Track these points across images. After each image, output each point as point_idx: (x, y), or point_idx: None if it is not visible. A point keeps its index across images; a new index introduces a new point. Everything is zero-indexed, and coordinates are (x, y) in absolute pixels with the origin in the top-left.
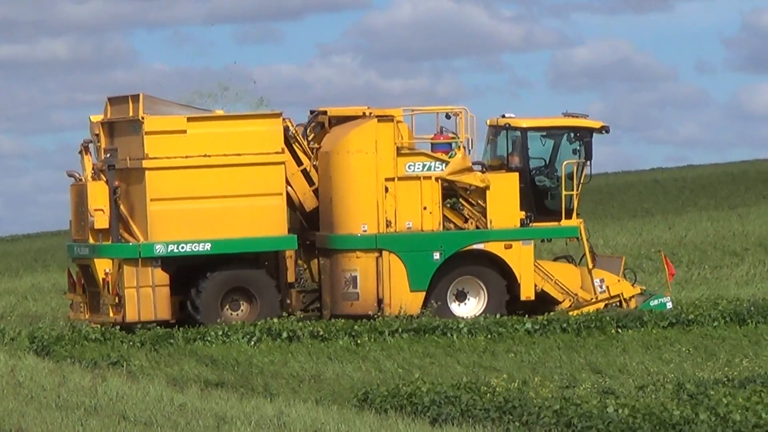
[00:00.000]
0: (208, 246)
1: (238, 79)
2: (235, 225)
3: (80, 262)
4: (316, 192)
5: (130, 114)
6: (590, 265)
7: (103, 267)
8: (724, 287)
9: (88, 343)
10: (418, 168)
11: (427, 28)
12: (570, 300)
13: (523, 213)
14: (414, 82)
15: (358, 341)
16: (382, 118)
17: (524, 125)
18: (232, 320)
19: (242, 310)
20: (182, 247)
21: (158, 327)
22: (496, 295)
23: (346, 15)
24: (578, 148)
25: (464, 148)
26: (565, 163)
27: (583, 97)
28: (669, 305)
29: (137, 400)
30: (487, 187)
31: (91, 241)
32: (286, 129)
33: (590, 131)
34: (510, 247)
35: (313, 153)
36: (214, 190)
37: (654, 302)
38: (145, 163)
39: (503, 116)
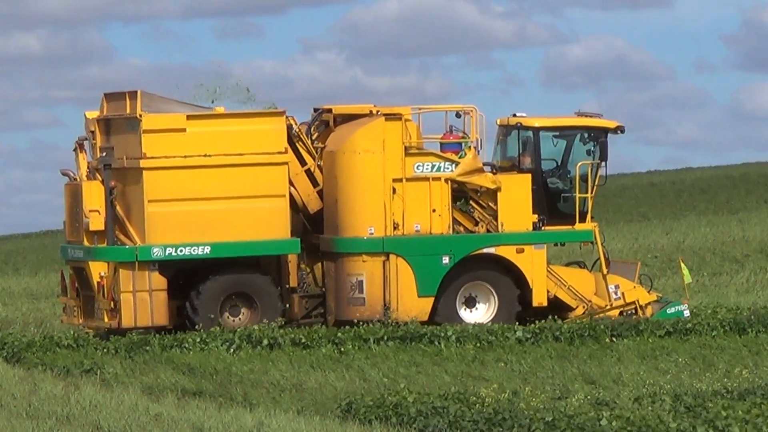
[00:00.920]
0: (207, 249)
1: (219, 76)
2: (236, 227)
3: (74, 264)
4: (320, 193)
5: (128, 111)
6: (605, 271)
7: (98, 270)
8: (724, 295)
9: (60, 350)
10: (427, 168)
11: (415, 24)
12: (584, 307)
13: (536, 216)
14: (401, 80)
15: (342, 349)
16: (389, 117)
17: (536, 125)
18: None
19: (242, 316)
20: (181, 251)
21: (155, 333)
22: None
23: (330, 9)
24: (592, 148)
25: (475, 148)
26: (579, 164)
27: (578, 96)
28: (686, 313)
29: (111, 409)
30: (498, 189)
31: (85, 243)
32: (289, 127)
33: (605, 131)
34: (522, 251)
35: (317, 152)
36: (215, 192)
37: (671, 310)
38: (143, 163)
39: (514, 115)
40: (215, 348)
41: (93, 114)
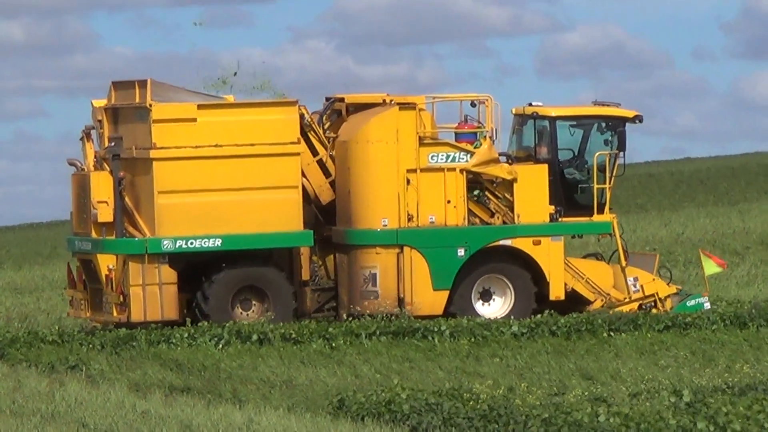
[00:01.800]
0: (218, 242)
1: (206, 64)
2: (248, 220)
3: (81, 257)
4: (332, 184)
5: (137, 100)
6: (623, 263)
7: (106, 263)
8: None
9: (45, 346)
10: (442, 159)
11: (407, 12)
12: (602, 300)
13: (553, 207)
14: (393, 69)
15: (333, 344)
16: (403, 106)
17: (553, 114)
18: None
19: (254, 310)
20: (191, 243)
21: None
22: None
23: None
24: (610, 138)
25: (490, 138)
26: (597, 154)
27: (574, 84)
28: (707, 305)
29: (97, 406)
30: (514, 180)
31: (93, 235)
32: (301, 117)
33: (623, 120)
34: (539, 243)
35: (329, 142)
36: (226, 183)
37: (691, 302)
38: (153, 153)
39: (530, 104)
40: (203, 343)
41: (100, 102)
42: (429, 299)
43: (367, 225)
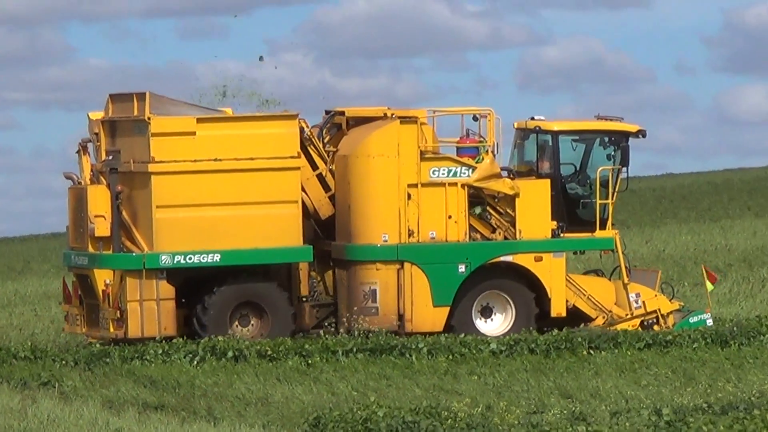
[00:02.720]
0: (217, 257)
1: (182, 76)
2: (247, 235)
3: (77, 271)
4: (332, 198)
5: (135, 113)
6: (625, 280)
7: (103, 278)
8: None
9: (17, 362)
10: (443, 174)
11: (385, 24)
12: (604, 317)
13: (555, 223)
14: (372, 82)
15: (309, 361)
16: (404, 120)
17: (556, 128)
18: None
19: (252, 326)
20: (190, 258)
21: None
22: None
23: (297, 9)
24: (613, 153)
25: (491, 152)
26: (600, 169)
27: (554, 98)
28: (709, 322)
29: (70, 423)
30: (516, 195)
31: (90, 249)
32: (301, 131)
33: (626, 135)
34: (540, 259)
35: (329, 156)
36: (225, 197)
37: (693, 319)
38: (151, 167)
39: (532, 119)
40: (178, 360)
41: (97, 115)
42: (429, 316)
43: (367, 240)
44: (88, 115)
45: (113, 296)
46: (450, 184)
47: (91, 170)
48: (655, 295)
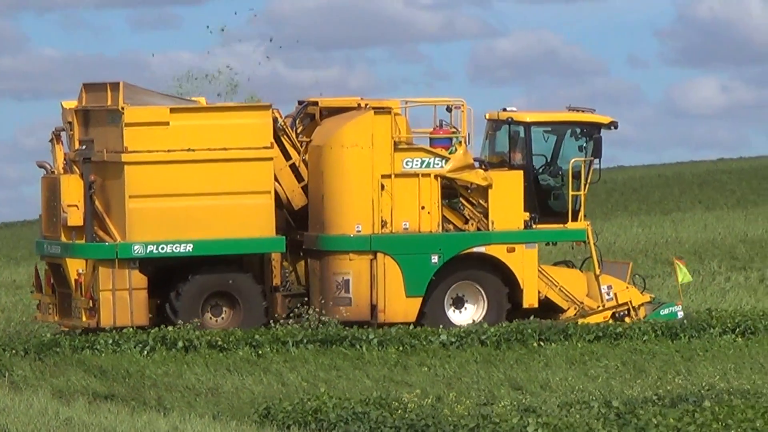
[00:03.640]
0: (189, 247)
1: (135, 67)
2: (220, 225)
3: (50, 260)
4: (305, 189)
5: (109, 103)
6: (597, 272)
7: (75, 267)
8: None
9: None
10: (417, 164)
11: (338, 16)
12: (575, 308)
13: (527, 214)
14: (324, 73)
15: (260, 352)
16: (378, 111)
17: (528, 120)
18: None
19: (224, 316)
20: (162, 248)
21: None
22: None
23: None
24: (584, 145)
25: (465, 143)
26: (572, 161)
27: (506, 91)
28: (680, 314)
29: (20, 413)
30: (489, 186)
31: (63, 239)
32: (274, 121)
33: (598, 127)
34: (513, 250)
35: (302, 146)
36: (198, 187)
37: (665, 311)
38: (124, 157)
39: (504, 110)
40: (128, 350)
41: (71, 104)
42: (402, 306)
43: (340, 231)
44: (61, 104)
45: (86, 285)
46: (423, 175)
47: (64, 159)
48: (627, 287)
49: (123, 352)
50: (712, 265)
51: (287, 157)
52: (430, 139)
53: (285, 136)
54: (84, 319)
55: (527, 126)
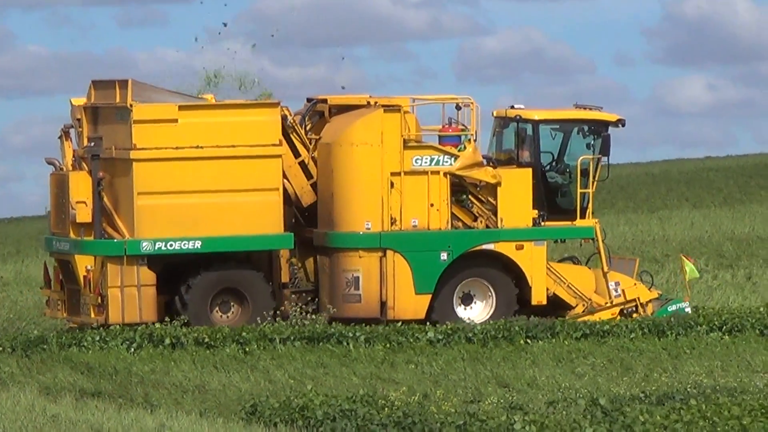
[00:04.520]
0: (198, 244)
1: (122, 65)
2: (228, 222)
3: (59, 257)
4: (313, 186)
5: (117, 100)
6: (605, 268)
7: (84, 264)
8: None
9: None
10: (426, 162)
11: (326, 14)
12: (583, 305)
13: (536, 212)
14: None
15: (247, 349)
16: (388, 108)
17: (536, 117)
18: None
19: (233, 313)
20: (171, 245)
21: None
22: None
23: None
24: (592, 142)
25: (474, 141)
26: (581, 158)
27: (494, 88)
28: (688, 310)
29: (6, 410)
30: (498, 184)
31: (72, 235)
32: (283, 118)
33: (606, 124)
34: (521, 248)
35: (311, 144)
36: (206, 185)
37: (672, 307)
38: (133, 154)
39: (512, 107)
40: (115, 347)
41: (79, 101)
42: (411, 303)
43: (350, 228)
44: (70, 101)
45: (94, 282)
46: (432, 173)
47: (73, 156)
48: (635, 284)
49: (110, 349)
50: (698, 263)
51: (296, 154)
52: (440, 136)
53: (294, 134)
54: (92, 315)
55: (535, 123)
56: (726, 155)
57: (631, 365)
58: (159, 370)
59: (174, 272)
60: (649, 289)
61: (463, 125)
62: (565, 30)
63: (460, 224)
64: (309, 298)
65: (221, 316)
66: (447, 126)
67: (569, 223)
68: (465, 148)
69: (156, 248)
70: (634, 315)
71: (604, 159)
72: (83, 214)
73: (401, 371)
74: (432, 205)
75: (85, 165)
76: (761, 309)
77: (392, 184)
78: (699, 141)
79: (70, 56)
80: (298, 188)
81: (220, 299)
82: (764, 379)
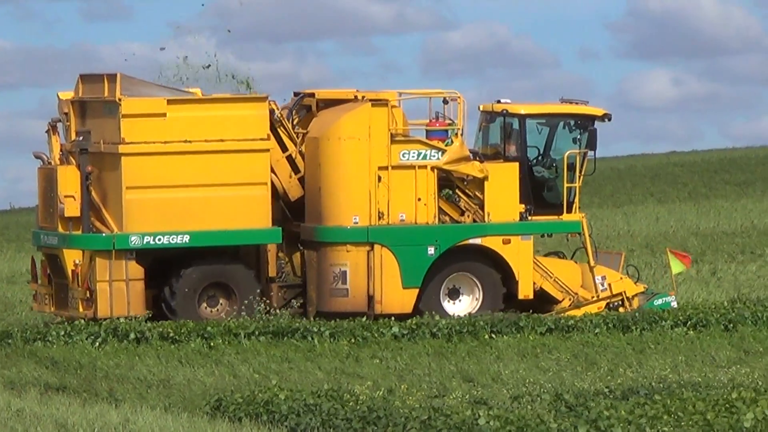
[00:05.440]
0: (186, 238)
1: (86, 59)
2: (216, 216)
3: (47, 251)
4: (301, 180)
5: (106, 94)
6: (592, 262)
7: (72, 258)
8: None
9: None
10: (413, 156)
11: (290, 8)
12: (570, 299)
13: (523, 206)
14: (276, 66)
15: (211, 344)
16: (375, 103)
17: (523, 112)
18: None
19: (220, 307)
20: (159, 239)
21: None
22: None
23: None
24: (578, 137)
25: (461, 135)
26: (567, 153)
27: (458, 83)
28: (674, 304)
29: None
30: (485, 178)
31: (60, 229)
32: (271, 112)
33: (592, 119)
34: (508, 242)
35: (298, 138)
36: (195, 179)
37: (658, 301)
38: (121, 148)
39: (498, 101)
40: (80, 341)
41: (67, 95)
42: (399, 297)
43: (337, 222)
44: (57, 95)
45: (82, 276)
46: (420, 167)
47: (61, 150)
48: (621, 278)
49: (75, 343)
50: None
51: (284, 148)
52: (427, 131)
53: (281, 128)
54: (80, 309)
55: (522, 118)
56: (691, 150)
57: (596, 360)
58: (124, 364)
59: (162, 266)
60: (635, 283)
61: (450, 119)
62: (530, 24)
63: (447, 218)
64: (296, 293)
65: (209, 310)
66: (434, 120)
67: (556, 217)
68: (452, 142)
69: (144, 242)
70: (621, 309)
71: (591, 153)
72: (71, 208)
73: (366, 366)
74: (419, 199)
75: (73, 159)
76: (726, 304)
77: (380, 179)
78: (664, 136)
79: (35, 50)
80: (285, 182)
81: (208, 293)
82: (728, 374)
